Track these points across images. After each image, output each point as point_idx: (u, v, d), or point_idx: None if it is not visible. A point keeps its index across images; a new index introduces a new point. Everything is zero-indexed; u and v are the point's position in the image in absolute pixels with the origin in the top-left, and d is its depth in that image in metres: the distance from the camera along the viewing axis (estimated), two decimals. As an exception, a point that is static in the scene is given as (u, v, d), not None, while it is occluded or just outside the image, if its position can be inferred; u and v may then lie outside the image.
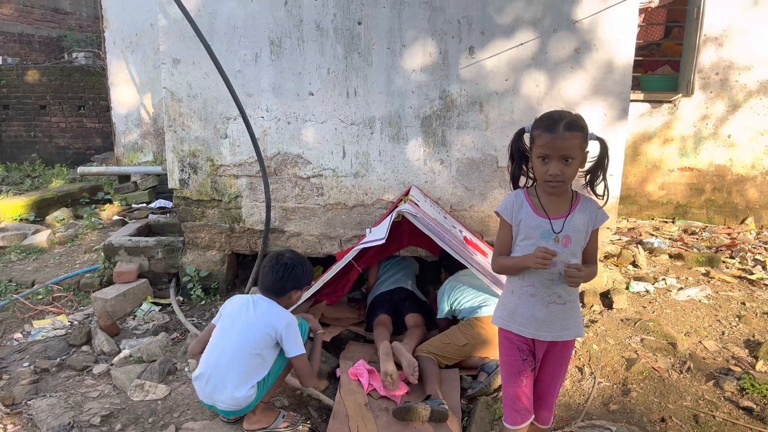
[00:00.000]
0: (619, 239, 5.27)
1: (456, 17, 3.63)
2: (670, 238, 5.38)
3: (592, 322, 3.58)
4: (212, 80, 3.80)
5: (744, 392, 2.85)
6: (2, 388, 3.07)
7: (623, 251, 4.72)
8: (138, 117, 6.86)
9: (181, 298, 4.23)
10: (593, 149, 2.00)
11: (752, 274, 4.40)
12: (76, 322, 3.93)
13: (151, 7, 5.78)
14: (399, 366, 3.00)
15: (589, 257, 2.10)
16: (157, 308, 4.10)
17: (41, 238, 5.50)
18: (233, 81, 3.72)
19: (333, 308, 3.91)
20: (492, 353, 3.09)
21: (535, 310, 2.05)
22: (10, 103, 9.57)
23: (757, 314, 3.75)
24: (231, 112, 3.86)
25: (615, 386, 2.93)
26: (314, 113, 3.84)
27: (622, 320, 3.62)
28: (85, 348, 3.56)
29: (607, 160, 2.02)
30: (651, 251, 4.92)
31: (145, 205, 6.49)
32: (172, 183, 4.09)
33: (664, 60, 6.37)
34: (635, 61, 3.71)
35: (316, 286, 3.27)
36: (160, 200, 6.53)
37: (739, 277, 4.35)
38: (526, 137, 2.03)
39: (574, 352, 3.08)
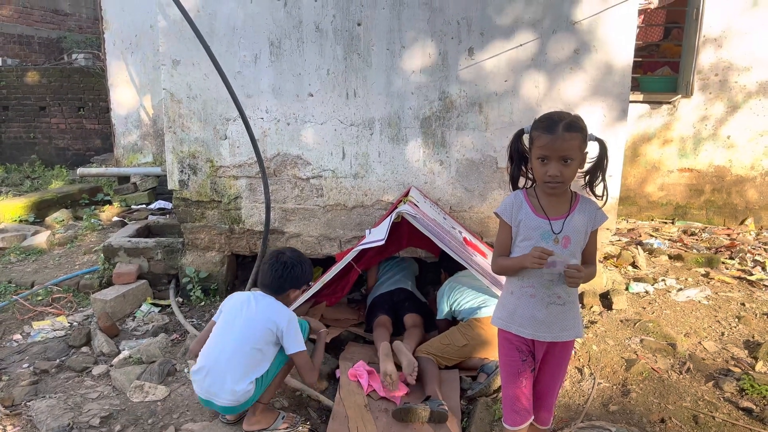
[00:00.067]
0: (619, 240, 5.27)
1: (455, 18, 3.63)
2: (669, 239, 5.38)
3: (592, 322, 3.58)
4: (212, 81, 3.81)
5: (743, 393, 2.85)
6: (2, 390, 3.08)
7: (623, 252, 4.72)
8: (138, 118, 6.86)
9: (180, 299, 4.23)
10: (592, 150, 2.00)
11: (752, 275, 4.40)
12: (75, 324, 3.93)
13: (150, 8, 5.80)
14: (398, 367, 3.00)
15: (588, 258, 2.10)
16: (156, 309, 4.10)
17: (41, 239, 5.50)
18: (233, 82, 3.72)
19: (333, 309, 3.91)
20: (491, 354, 3.10)
21: (535, 310, 2.05)
22: (9, 104, 9.58)
23: (756, 315, 3.75)
24: (230, 113, 3.86)
25: (614, 387, 2.93)
26: (314, 114, 3.85)
27: (621, 321, 3.62)
28: (84, 349, 3.56)
29: (607, 161, 2.03)
30: (650, 252, 4.92)
31: (144, 206, 6.48)
32: (172, 184, 4.09)
33: (664, 61, 6.37)
34: (634, 62, 3.72)
35: (316, 287, 3.27)
36: (160, 201, 6.52)
37: (739, 278, 4.36)
38: (526, 138, 2.04)
39: (573, 352, 3.08)
